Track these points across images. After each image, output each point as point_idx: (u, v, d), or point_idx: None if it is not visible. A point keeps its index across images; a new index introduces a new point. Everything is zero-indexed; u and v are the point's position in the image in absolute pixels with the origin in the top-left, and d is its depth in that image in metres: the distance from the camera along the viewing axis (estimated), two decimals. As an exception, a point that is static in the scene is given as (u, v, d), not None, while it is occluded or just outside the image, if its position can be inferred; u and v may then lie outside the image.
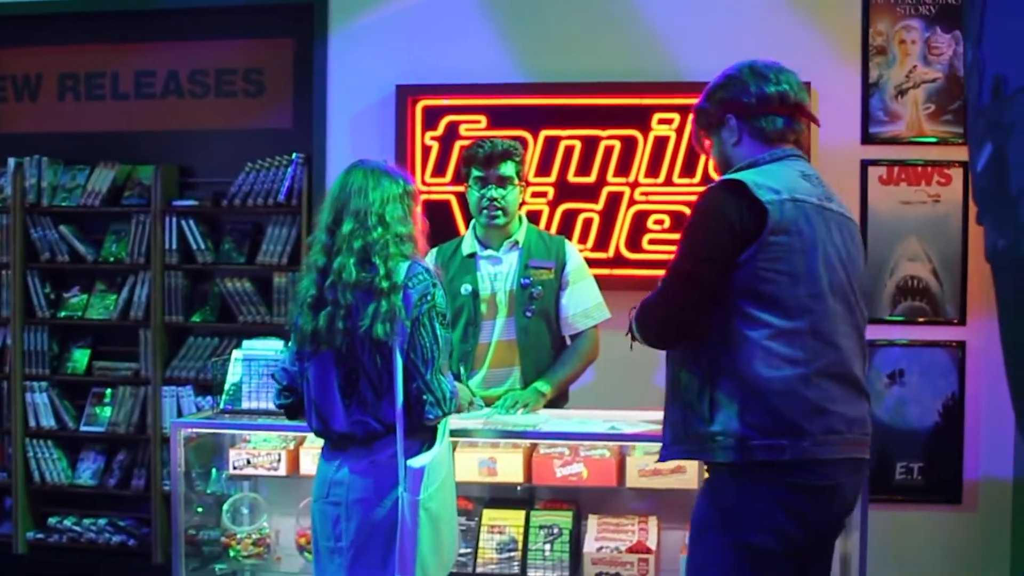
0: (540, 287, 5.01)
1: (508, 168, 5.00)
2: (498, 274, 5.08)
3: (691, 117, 3.73)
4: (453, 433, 4.29)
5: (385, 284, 3.79)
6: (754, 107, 3.54)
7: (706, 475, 3.62)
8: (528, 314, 5.00)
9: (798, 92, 3.56)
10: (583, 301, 5.08)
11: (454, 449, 4.51)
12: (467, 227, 5.91)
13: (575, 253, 5.17)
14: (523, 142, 6.13)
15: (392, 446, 3.84)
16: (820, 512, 3.38)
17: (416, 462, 3.81)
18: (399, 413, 3.81)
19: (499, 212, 5.00)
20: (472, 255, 5.11)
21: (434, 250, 5.08)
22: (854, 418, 3.41)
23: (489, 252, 5.10)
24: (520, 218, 5.16)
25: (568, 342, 5.18)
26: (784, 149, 3.55)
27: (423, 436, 3.90)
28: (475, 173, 5.04)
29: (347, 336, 3.83)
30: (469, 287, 5.04)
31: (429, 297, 3.83)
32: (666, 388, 3.56)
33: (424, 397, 3.80)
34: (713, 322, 3.37)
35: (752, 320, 3.33)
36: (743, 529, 3.34)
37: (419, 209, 4.04)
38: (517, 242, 5.09)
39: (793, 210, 3.35)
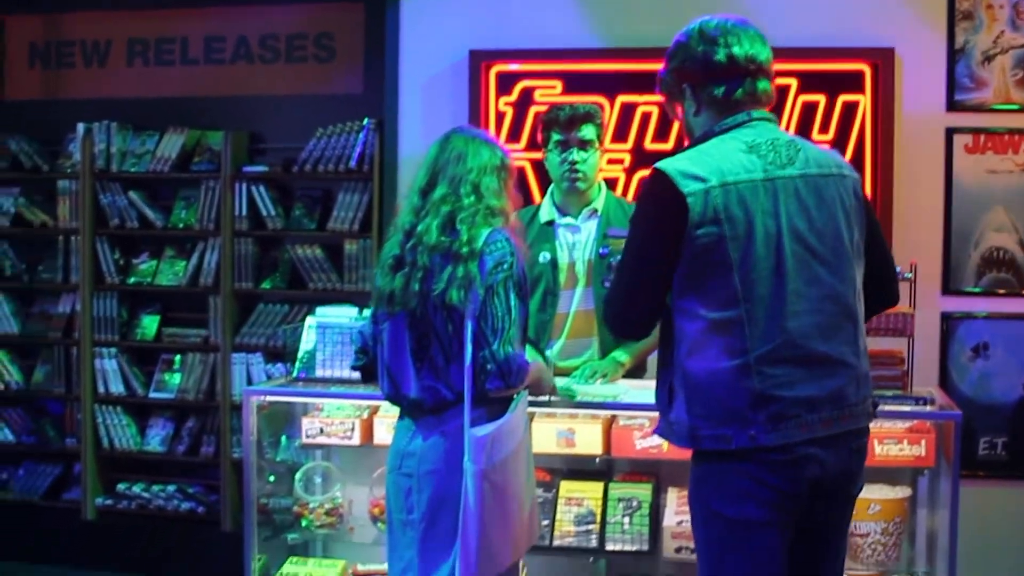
0: (617, 257, 4.90)
1: (589, 131, 4.92)
2: (576, 243, 4.99)
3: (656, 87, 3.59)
4: (532, 403, 4.20)
5: (464, 250, 3.71)
6: (703, 75, 3.37)
7: None
8: (606, 284, 4.88)
9: (749, 50, 3.36)
10: None
11: (531, 419, 4.44)
12: (543, 194, 5.84)
13: None
14: (600, 108, 6.04)
15: (462, 416, 3.75)
16: (790, 482, 3.23)
17: (479, 431, 3.70)
18: (467, 381, 3.73)
19: (580, 175, 4.92)
20: (550, 223, 5.03)
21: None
22: (820, 397, 3.25)
23: (568, 220, 5.02)
24: (599, 185, 5.08)
25: None
26: (738, 116, 3.37)
27: (494, 407, 3.80)
28: (555, 137, 4.95)
29: (422, 299, 3.76)
30: (548, 255, 4.96)
31: (506, 266, 3.73)
32: None
33: (488, 367, 3.69)
34: (664, 314, 3.38)
35: (687, 314, 3.27)
36: (715, 501, 3.29)
37: (513, 184, 3.96)
38: (596, 210, 5.00)
39: (721, 196, 3.19)
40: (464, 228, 3.73)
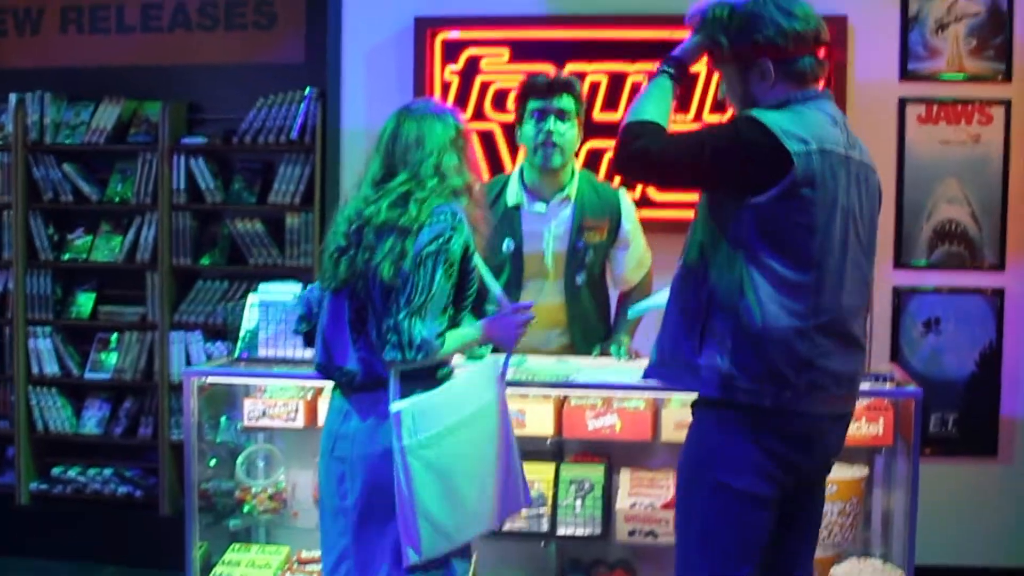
0: (592, 251, 4.79)
1: (568, 102, 4.74)
2: (545, 232, 4.80)
3: (706, 56, 3.53)
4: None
5: (412, 224, 3.58)
6: (790, 49, 3.35)
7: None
8: (579, 280, 4.78)
9: (820, 21, 3.41)
10: (637, 253, 4.88)
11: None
12: (490, 165, 5.72)
13: (630, 207, 4.95)
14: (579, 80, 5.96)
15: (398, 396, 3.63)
16: (800, 457, 3.35)
17: (395, 405, 3.57)
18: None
19: (556, 150, 4.71)
20: (517, 207, 4.84)
21: None
22: (844, 375, 3.38)
23: (537, 207, 4.82)
24: (572, 168, 4.89)
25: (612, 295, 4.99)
26: (815, 90, 3.41)
27: (431, 383, 3.67)
28: (532, 105, 4.76)
29: (363, 272, 3.63)
30: (511, 244, 4.79)
31: (442, 240, 3.57)
32: (665, 312, 3.48)
33: (389, 336, 3.52)
34: (721, 256, 3.31)
35: (762, 265, 3.25)
36: (725, 471, 3.30)
37: (471, 148, 3.83)
38: (569, 197, 4.81)
39: (820, 162, 3.24)
40: (415, 204, 3.60)
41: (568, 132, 4.72)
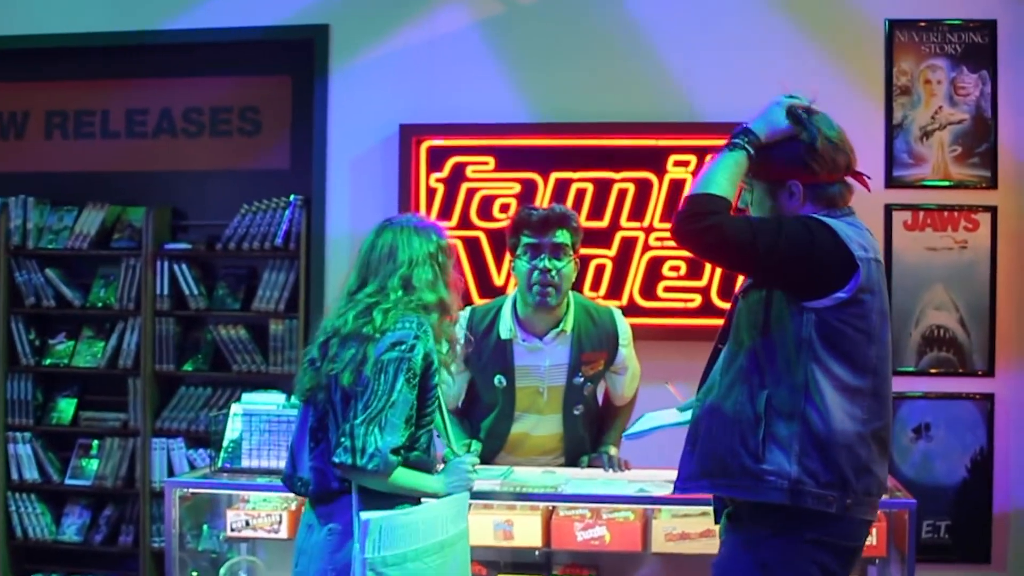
0: (590, 383, 4.70)
1: (564, 236, 4.51)
2: (539, 367, 4.65)
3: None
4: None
5: (369, 331, 3.52)
6: (823, 176, 3.35)
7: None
8: (576, 412, 4.70)
9: (853, 152, 3.44)
10: (632, 372, 4.80)
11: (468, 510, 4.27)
12: (476, 274, 5.69)
13: (626, 329, 4.77)
14: (534, 185, 5.93)
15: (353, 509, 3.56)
16: (844, 564, 3.32)
17: (367, 514, 3.47)
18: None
19: (552, 289, 4.49)
20: (510, 340, 4.66)
21: (466, 311, 4.68)
22: (884, 481, 3.40)
23: (531, 344, 4.64)
24: (569, 299, 4.67)
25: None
26: (842, 208, 3.41)
27: (394, 501, 3.56)
28: (525, 240, 4.54)
29: (326, 382, 3.57)
30: (503, 381, 4.63)
31: (404, 347, 3.49)
32: (703, 420, 3.41)
33: (343, 439, 3.44)
34: (780, 361, 3.26)
35: (825, 369, 3.23)
36: None
37: (452, 265, 3.75)
38: (565, 331, 4.63)
39: (876, 271, 3.29)
40: (379, 313, 3.54)
41: (564, 268, 4.50)
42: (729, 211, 3.22)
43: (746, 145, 3.31)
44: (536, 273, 4.48)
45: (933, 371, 6.06)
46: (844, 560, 3.31)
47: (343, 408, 3.54)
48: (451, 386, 4.58)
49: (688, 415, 3.72)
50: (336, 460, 3.45)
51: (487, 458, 4.71)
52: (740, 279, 3.51)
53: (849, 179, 3.44)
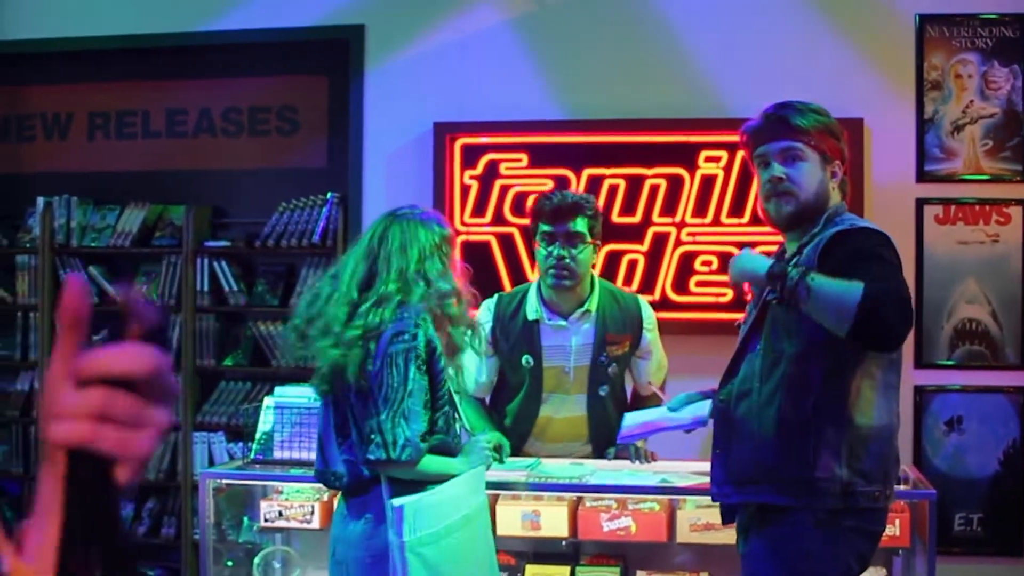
0: (615, 364, 4.76)
1: (579, 224, 4.61)
2: (565, 347, 4.73)
3: (790, 127, 3.54)
4: (495, 485, 4.11)
5: (376, 328, 3.61)
6: (845, 167, 3.62)
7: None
8: (602, 392, 4.76)
9: None
10: (656, 359, 4.85)
11: (495, 501, 4.33)
12: (509, 268, 5.75)
13: (651, 316, 4.87)
14: (567, 181, 5.97)
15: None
16: (871, 557, 3.48)
17: (397, 500, 3.56)
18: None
19: (566, 274, 4.60)
20: (535, 320, 4.75)
21: (494, 298, 4.82)
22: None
23: (556, 322, 4.73)
24: (593, 280, 4.78)
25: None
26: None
27: (417, 487, 3.66)
28: (542, 228, 4.66)
29: (342, 377, 3.65)
30: (530, 360, 4.72)
31: (407, 336, 3.58)
32: (739, 425, 3.47)
33: (372, 436, 3.54)
34: (828, 365, 3.32)
35: (867, 371, 3.34)
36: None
37: (454, 255, 3.85)
38: (589, 311, 4.72)
39: None
40: (388, 309, 3.63)
41: (579, 254, 4.59)
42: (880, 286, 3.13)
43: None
44: (551, 259, 4.60)
45: (966, 364, 6.04)
46: (874, 545, 3.46)
47: (359, 404, 3.63)
48: (481, 373, 4.72)
49: (685, 414, 3.80)
50: (371, 457, 3.55)
51: (515, 444, 4.76)
52: None
53: None
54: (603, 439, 4.82)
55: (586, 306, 4.72)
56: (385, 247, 3.73)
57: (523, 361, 4.71)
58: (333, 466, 3.77)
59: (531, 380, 4.74)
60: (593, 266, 4.80)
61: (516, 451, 4.75)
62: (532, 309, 4.75)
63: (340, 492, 3.86)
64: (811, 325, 3.25)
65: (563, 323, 4.72)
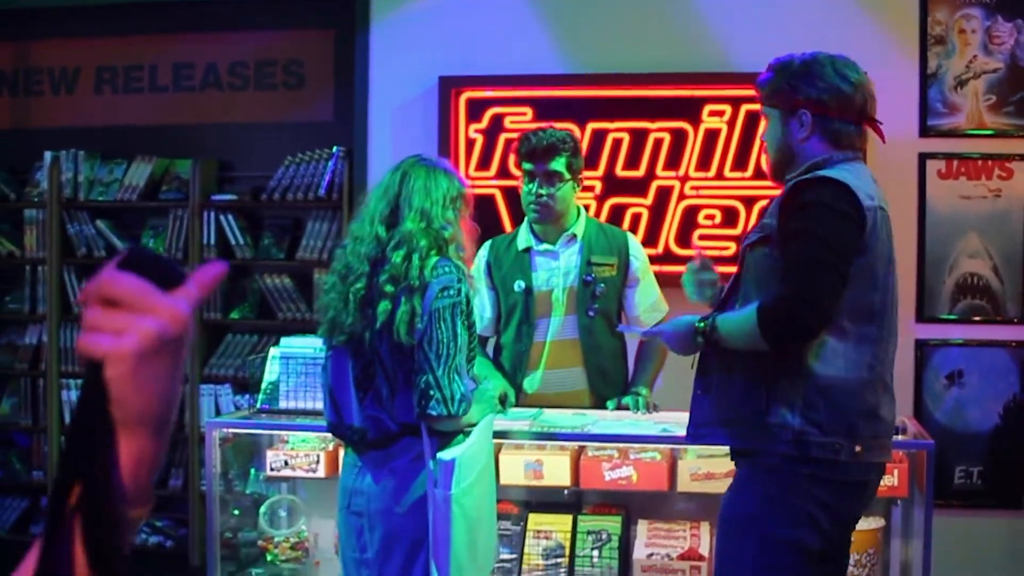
0: (603, 284, 4.82)
1: (557, 163, 4.75)
2: (555, 270, 4.85)
3: (757, 91, 3.64)
4: (498, 435, 4.16)
5: (416, 282, 3.64)
6: (834, 109, 3.44)
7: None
8: (591, 313, 4.81)
9: (873, 98, 3.52)
10: (650, 296, 4.92)
11: (498, 451, 4.38)
12: (513, 222, 5.79)
13: (639, 247, 5.00)
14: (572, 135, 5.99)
15: (411, 450, 3.70)
16: (848, 506, 3.42)
17: (446, 455, 3.63)
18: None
19: (544, 210, 4.77)
20: (527, 250, 4.90)
21: (487, 243, 4.92)
22: (892, 423, 3.49)
23: (545, 247, 4.88)
24: (578, 210, 4.95)
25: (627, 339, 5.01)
26: (849, 153, 3.48)
27: (446, 436, 3.74)
28: (524, 166, 4.82)
29: (369, 328, 3.69)
30: (522, 283, 4.83)
31: (452, 291, 3.65)
32: (709, 370, 3.51)
33: (431, 392, 3.60)
34: None
35: (835, 324, 3.30)
36: (780, 523, 3.34)
37: (469, 214, 3.90)
38: (575, 236, 4.87)
39: (881, 218, 3.36)
40: (416, 258, 3.66)
41: (557, 192, 4.74)
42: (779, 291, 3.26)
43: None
44: (531, 196, 4.78)
45: (967, 319, 6.07)
46: (847, 495, 3.37)
47: (392, 359, 3.66)
48: (485, 308, 4.85)
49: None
50: (432, 413, 3.60)
51: (515, 384, 4.82)
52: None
53: (866, 127, 3.52)
54: (597, 370, 4.86)
55: (571, 231, 4.87)
56: (407, 186, 3.77)
57: (515, 286, 4.83)
58: (348, 420, 3.80)
59: (523, 306, 4.83)
60: (576, 198, 4.94)
61: (515, 377, 4.85)
62: (523, 239, 4.91)
63: (351, 445, 3.89)
64: (775, 272, 3.31)
65: (551, 247, 4.86)
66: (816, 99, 3.44)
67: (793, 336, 3.26)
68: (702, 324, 3.44)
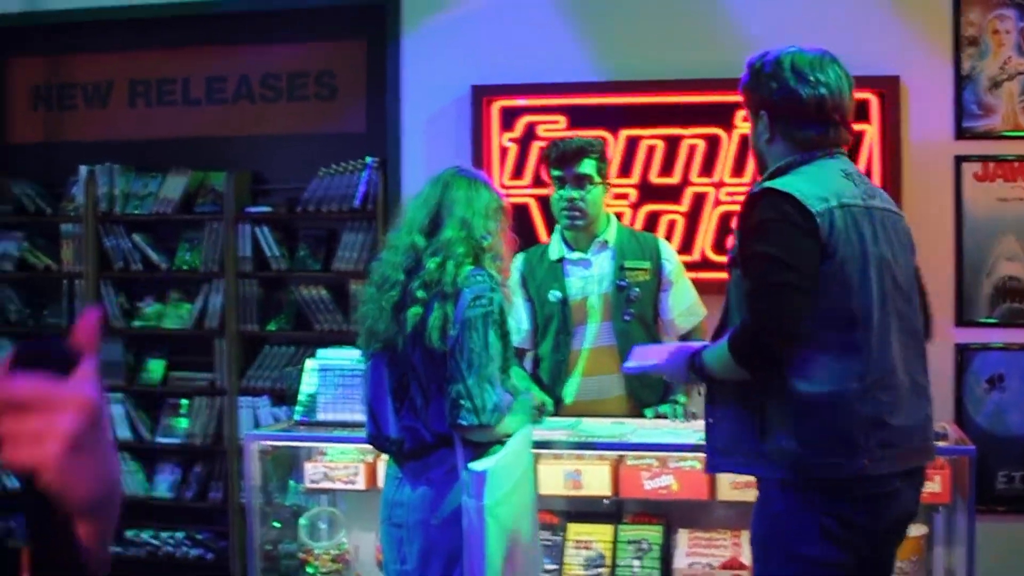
0: (638, 289, 4.83)
1: (586, 166, 4.80)
2: (589, 277, 4.88)
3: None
4: (537, 445, 4.15)
5: (448, 288, 3.64)
6: (785, 111, 3.36)
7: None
8: (627, 318, 4.81)
9: (839, 95, 3.36)
10: (685, 299, 4.92)
11: (537, 461, 4.38)
12: (548, 231, 5.80)
13: (671, 251, 5.03)
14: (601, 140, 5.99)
15: (447, 461, 3.70)
16: (875, 519, 3.27)
17: (478, 465, 3.62)
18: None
19: (577, 214, 4.81)
20: (560, 260, 4.92)
21: (520, 255, 4.91)
22: (914, 427, 3.32)
23: (577, 255, 4.91)
24: (608, 217, 4.98)
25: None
26: (815, 153, 3.36)
27: (481, 447, 3.72)
28: (553, 173, 4.87)
29: (401, 336, 3.68)
30: (558, 294, 4.86)
31: (484, 300, 3.64)
32: (713, 399, 3.46)
33: (462, 402, 3.58)
34: None
35: (814, 336, 3.18)
36: (797, 541, 3.25)
37: (508, 227, 3.91)
38: (606, 242, 4.89)
39: (842, 217, 3.21)
40: (452, 264, 3.66)
41: (588, 195, 4.80)
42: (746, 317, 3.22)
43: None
44: (563, 202, 4.82)
45: (1008, 322, 6.00)
46: (869, 508, 3.24)
47: (425, 368, 3.66)
48: (522, 320, 4.88)
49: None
50: (463, 423, 3.59)
51: (552, 382, 4.84)
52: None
53: (833, 124, 3.38)
54: (636, 375, 4.82)
55: (602, 237, 4.90)
56: (448, 196, 3.78)
57: (550, 296, 4.85)
58: (386, 430, 3.81)
59: (559, 316, 4.84)
60: (606, 204, 4.96)
61: (553, 387, 4.87)
62: (555, 249, 4.95)
63: (391, 456, 3.90)
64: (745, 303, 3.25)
65: (584, 254, 4.89)
66: (770, 100, 3.37)
67: (765, 363, 3.19)
68: (694, 359, 3.42)
